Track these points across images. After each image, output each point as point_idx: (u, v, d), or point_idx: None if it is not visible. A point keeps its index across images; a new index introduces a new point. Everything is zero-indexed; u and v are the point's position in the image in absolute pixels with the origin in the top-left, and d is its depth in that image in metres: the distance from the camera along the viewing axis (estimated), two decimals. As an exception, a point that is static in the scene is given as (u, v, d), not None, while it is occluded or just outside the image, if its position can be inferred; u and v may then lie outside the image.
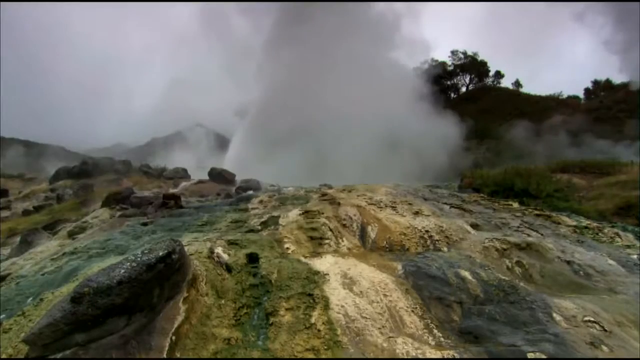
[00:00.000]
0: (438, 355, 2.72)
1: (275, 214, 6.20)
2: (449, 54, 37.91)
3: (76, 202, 12.66)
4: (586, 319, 3.12)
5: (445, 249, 4.71)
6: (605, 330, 3.00)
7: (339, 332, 2.81)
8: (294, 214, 6.00)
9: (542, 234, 5.52)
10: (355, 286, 3.43)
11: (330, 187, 9.14)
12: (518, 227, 5.71)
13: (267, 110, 22.77)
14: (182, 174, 16.72)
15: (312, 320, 2.92)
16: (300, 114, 21.34)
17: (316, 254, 4.23)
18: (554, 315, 3.18)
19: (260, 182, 11.84)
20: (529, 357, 2.68)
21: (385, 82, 23.48)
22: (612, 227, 6.44)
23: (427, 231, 5.07)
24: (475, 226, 5.61)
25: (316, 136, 20.61)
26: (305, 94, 21.76)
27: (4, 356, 2.72)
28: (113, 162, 16.50)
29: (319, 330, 2.82)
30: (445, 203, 7.27)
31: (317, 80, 22.10)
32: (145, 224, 6.55)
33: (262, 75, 25.02)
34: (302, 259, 4.06)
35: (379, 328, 2.93)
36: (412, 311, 3.23)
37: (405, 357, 2.68)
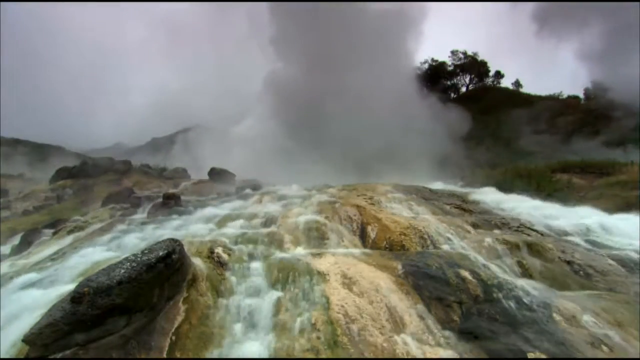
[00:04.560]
0: (438, 355, 2.72)
1: (275, 213, 6.20)
2: (449, 54, 37.93)
3: (76, 202, 12.67)
4: (586, 319, 3.12)
5: (445, 248, 4.71)
6: (605, 330, 3.00)
7: (339, 332, 2.81)
8: (294, 213, 6.00)
9: (542, 234, 5.51)
10: (355, 286, 3.42)
11: (330, 187, 9.14)
12: (518, 227, 5.70)
13: (269, 111, 22.75)
14: (182, 174, 16.72)
15: (312, 320, 2.92)
16: (301, 112, 21.32)
17: (316, 254, 4.23)
18: (554, 315, 3.17)
19: (260, 182, 11.84)
20: (529, 357, 2.69)
21: (393, 81, 23.46)
22: (612, 227, 6.42)
23: (427, 231, 5.07)
24: (475, 226, 5.60)
25: (322, 131, 20.53)
26: (311, 91, 21.72)
27: (4, 356, 2.72)
28: (113, 162, 16.46)
29: (319, 330, 2.82)
30: (445, 203, 7.27)
31: (326, 77, 22.03)
32: (145, 224, 6.55)
33: (269, 70, 24.85)
34: (302, 258, 4.05)
35: (379, 328, 2.92)
36: (412, 311, 3.22)
37: (405, 357, 2.68)
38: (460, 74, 37.82)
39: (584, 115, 24.70)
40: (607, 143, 19.44)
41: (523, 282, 3.74)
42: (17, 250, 7.28)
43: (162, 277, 2.94)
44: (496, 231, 5.49)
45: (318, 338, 2.76)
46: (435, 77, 35.63)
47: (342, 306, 3.10)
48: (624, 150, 17.25)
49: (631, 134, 19.34)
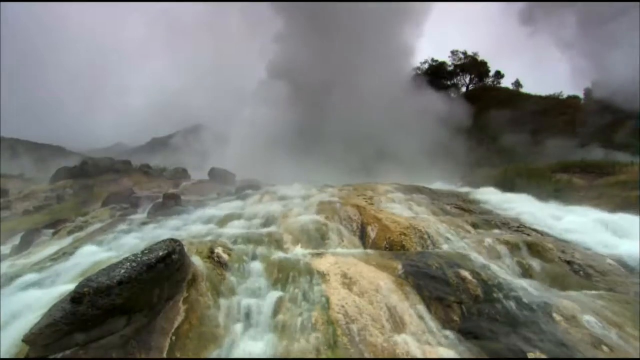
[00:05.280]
0: (438, 355, 2.72)
1: (275, 213, 6.20)
2: (449, 54, 37.88)
3: (76, 202, 12.67)
4: (586, 319, 3.12)
5: (445, 248, 4.71)
6: (605, 330, 3.00)
7: (339, 332, 2.81)
8: (294, 213, 6.00)
9: (542, 234, 5.51)
10: (355, 286, 3.42)
11: (330, 186, 9.13)
12: (518, 227, 5.70)
13: (271, 110, 22.75)
14: (182, 174, 16.70)
15: (312, 320, 2.92)
16: (301, 111, 21.33)
17: (316, 254, 4.23)
18: (554, 315, 3.17)
19: (260, 182, 11.83)
20: (529, 357, 2.68)
21: (392, 83, 23.48)
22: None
23: (427, 231, 5.07)
24: (475, 226, 5.60)
25: (323, 130, 20.51)
26: (311, 89, 21.72)
27: (4, 356, 2.72)
28: (113, 162, 16.49)
29: (319, 330, 2.82)
30: (445, 202, 7.27)
31: (326, 74, 22.00)
32: (145, 224, 6.55)
33: (271, 69, 24.81)
34: (302, 258, 4.05)
35: (379, 328, 2.92)
36: (412, 311, 3.22)
37: (405, 357, 2.67)
38: (460, 74, 37.77)
39: (582, 115, 24.70)
40: (599, 143, 19.46)
41: (523, 282, 3.74)
42: (17, 250, 7.29)
43: (162, 277, 2.93)
44: (496, 231, 5.49)
45: (318, 338, 2.76)
46: (435, 77, 35.59)
47: (342, 306, 3.10)
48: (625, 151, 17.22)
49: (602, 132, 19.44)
